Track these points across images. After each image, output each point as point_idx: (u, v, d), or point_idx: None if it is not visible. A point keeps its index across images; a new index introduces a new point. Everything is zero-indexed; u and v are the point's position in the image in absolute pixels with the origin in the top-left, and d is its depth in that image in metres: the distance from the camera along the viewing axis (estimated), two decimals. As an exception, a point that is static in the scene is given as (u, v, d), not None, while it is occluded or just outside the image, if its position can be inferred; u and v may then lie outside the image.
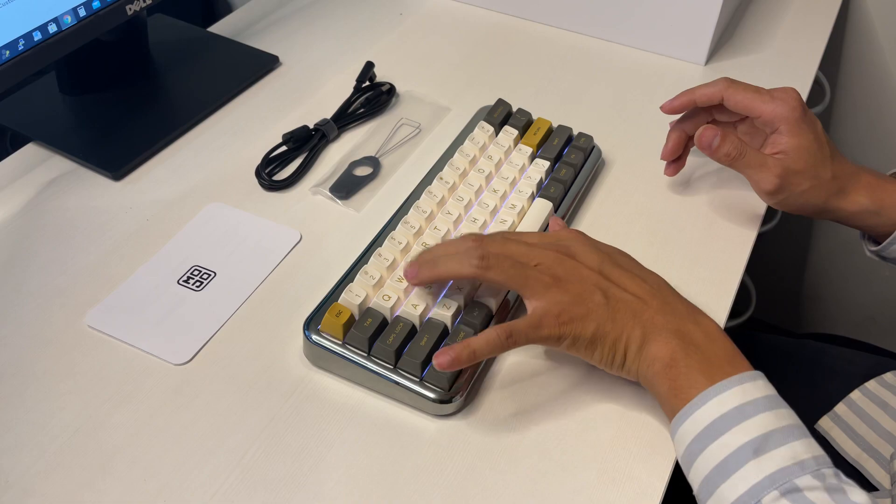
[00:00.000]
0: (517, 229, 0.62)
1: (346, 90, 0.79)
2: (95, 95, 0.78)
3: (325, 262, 0.64)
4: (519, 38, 0.90)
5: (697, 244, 0.67)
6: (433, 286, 0.57)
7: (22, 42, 0.64)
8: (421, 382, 0.53)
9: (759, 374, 0.49)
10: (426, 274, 0.53)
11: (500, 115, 0.72)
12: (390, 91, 0.80)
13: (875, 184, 0.63)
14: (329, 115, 0.76)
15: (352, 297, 0.55)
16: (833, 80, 1.13)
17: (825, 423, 0.69)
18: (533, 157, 0.70)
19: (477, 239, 0.53)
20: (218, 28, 0.90)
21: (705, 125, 0.63)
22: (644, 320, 0.51)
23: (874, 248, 0.66)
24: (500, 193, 0.65)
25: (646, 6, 0.86)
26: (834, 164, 0.62)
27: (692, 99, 0.65)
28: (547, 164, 0.68)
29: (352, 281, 0.57)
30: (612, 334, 0.50)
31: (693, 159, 0.74)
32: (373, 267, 0.58)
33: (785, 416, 0.47)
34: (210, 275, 0.62)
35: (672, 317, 0.51)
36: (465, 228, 0.62)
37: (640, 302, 0.51)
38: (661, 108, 0.67)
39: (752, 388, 0.47)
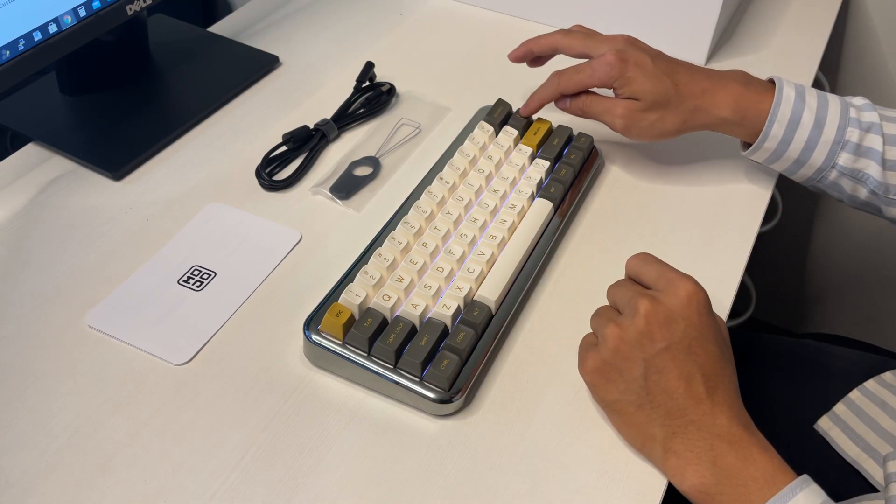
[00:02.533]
0: (517, 229, 0.62)
1: (346, 90, 0.79)
2: (95, 95, 0.78)
3: (325, 262, 0.64)
4: (519, 38, 0.90)
5: (697, 244, 0.67)
6: (435, 286, 0.57)
7: (22, 42, 0.64)
8: (421, 382, 0.53)
9: (798, 486, 0.46)
10: None
11: (500, 115, 0.72)
12: (390, 91, 0.80)
13: (740, 93, 0.65)
14: (329, 115, 0.76)
15: (352, 297, 0.55)
16: (833, 80, 1.13)
17: (824, 423, 0.69)
18: (533, 158, 0.70)
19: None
20: (218, 28, 0.90)
21: (558, 99, 0.70)
22: (676, 425, 0.49)
23: (745, 153, 0.69)
24: (500, 193, 0.65)
25: (646, 6, 0.86)
26: (681, 88, 0.65)
27: (531, 49, 0.72)
28: (547, 164, 0.68)
29: (352, 281, 0.57)
30: (638, 419, 0.50)
31: (692, 159, 0.74)
32: (373, 267, 0.58)
33: None
34: (210, 275, 0.62)
35: (708, 432, 0.48)
36: (466, 228, 0.62)
37: (683, 402, 0.49)
38: (508, 56, 0.74)
39: None
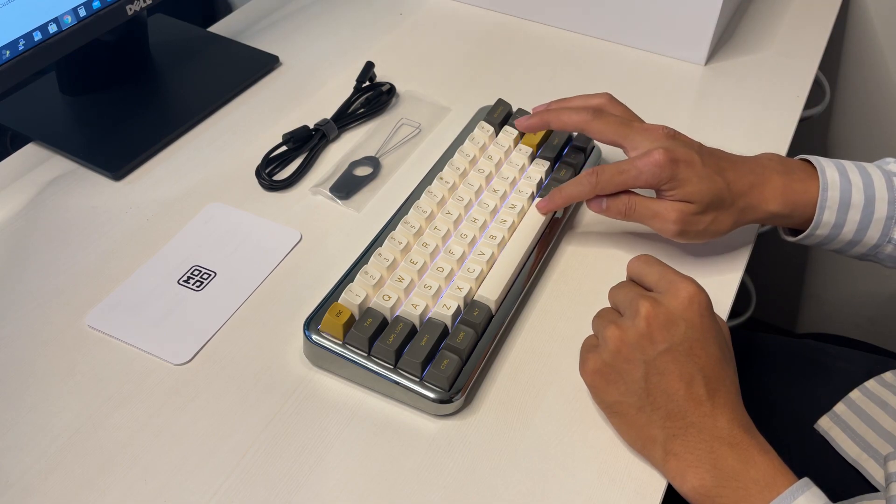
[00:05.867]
0: (517, 229, 0.62)
1: (346, 90, 0.79)
2: (95, 95, 0.78)
3: (325, 262, 0.64)
4: (519, 38, 0.91)
5: (697, 244, 0.66)
6: (434, 286, 0.57)
7: (22, 42, 0.64)
8: (421, 382, 0.53)
9: (799, 489, 0.46)
10: None
11: (500, 115, 0.72)
12: (390, 91, 0.80)
13: (784, 186, 0.61)
14: (329, 115, 0.76)
15: (352, 297, 0.55)
16: (833, 80, 1.13)
17: (824, 423, 0.69)
18: (533, 157, 0.70)
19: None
20: (218, 28, 0.90)
21: (592, 199, 0.62)
22: (676, 427, 0.49)
23: (792, 239, 0.66)
24: (500, 193, 0.65)
25: (646, 6, 0.86)
26: (733, 188, 0.60)
27: (547, 123, 0.65)
28: (547, 164, 0.68)
29: (352, 281, 0.57)
30: (639, 421, 0.50)
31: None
32: (373, 267, 0.58)
33: None
34: (210, 275, 0.62)
35: (708, 435, 0.48)
36: (466, 228, 0.62)
37: (683, 404, 0.49)
38: (517, 123, 0.67)
39: None
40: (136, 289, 0.61)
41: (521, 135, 0.71)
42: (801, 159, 0.64)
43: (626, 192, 0.61)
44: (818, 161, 0.63)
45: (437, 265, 0.59)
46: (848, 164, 0.63)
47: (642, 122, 0.64)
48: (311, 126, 0.74)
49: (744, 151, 0.75)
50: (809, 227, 0.62)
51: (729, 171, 0.60)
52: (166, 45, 0.84)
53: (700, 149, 0.61)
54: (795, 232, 0.65)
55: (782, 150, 0.76)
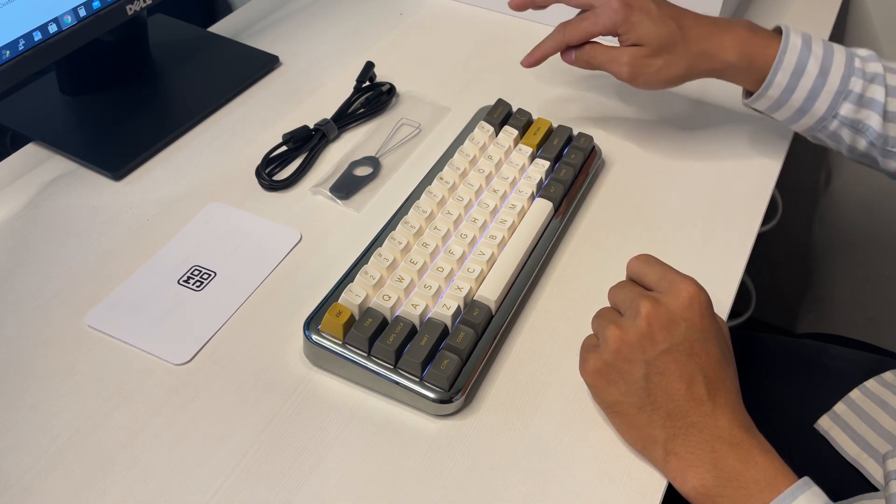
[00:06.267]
0: (517, 229, 0.62)
1: (346, 90, 0.79)
2: (95, 95, 0.78)
3: (325, 262, 0.64)
4: (519, 38, 0.90)
5: (697, 244, 0.67)
6: (435, 286, 0.57)
7: (22, 42, 0.64)
8: (421, 382, 0.53)
9: (800, 488, 0.46)
10: None
11: (500, 115, 0.72)
12: (390, 91, 0.80)
13: (745, 38, 0.65)
14: (329, 115, 0.76)
15: (352, 297, 0.55)
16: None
17: (824, 423, 0.69)
18: (533, 157, 0.70)
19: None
20: (218, 28, 0.90)
21: (564, 52, 0.69)
22: (677, 427, 0.49)
23: (746, 101, 0.69)
24: (500, 193, 0.65)
25: (646, 6, 0.86)
26: (687, 32, 0.64)
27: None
28: (547, 164, 0.68)
29: (352, 281, 0.57)
30: (639, 421, 0.50)
31: (692, 159, 0.74)
32: (373, 267, 0.58)
33: None
34: (210, 275, 0.62)
35: (709, 434, 0.48)
36: (466, 228, 0.62)
37: (684, 403, 0.49)
38: (508, 5, 0.70)
39: None
40: (136, 289, 0.61)
41: (522, 135, 0.71)
42: (775, 27, 0.67)
43: (591, 44, 0.68)
44: (787, 28, 0.66)
45: (437, 265, 0.59)
46: (818, 38, 0.66)
47: None
48: (311, 126, 0.74)
49: (745, 153, 0.75)
50: (762, 87, 0.65)
51: (687, 19, 0.66)
52: (166, 45, 0.84)
53: (661, 1, 0.66)
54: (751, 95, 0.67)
55: (783, 152, 0.76)
